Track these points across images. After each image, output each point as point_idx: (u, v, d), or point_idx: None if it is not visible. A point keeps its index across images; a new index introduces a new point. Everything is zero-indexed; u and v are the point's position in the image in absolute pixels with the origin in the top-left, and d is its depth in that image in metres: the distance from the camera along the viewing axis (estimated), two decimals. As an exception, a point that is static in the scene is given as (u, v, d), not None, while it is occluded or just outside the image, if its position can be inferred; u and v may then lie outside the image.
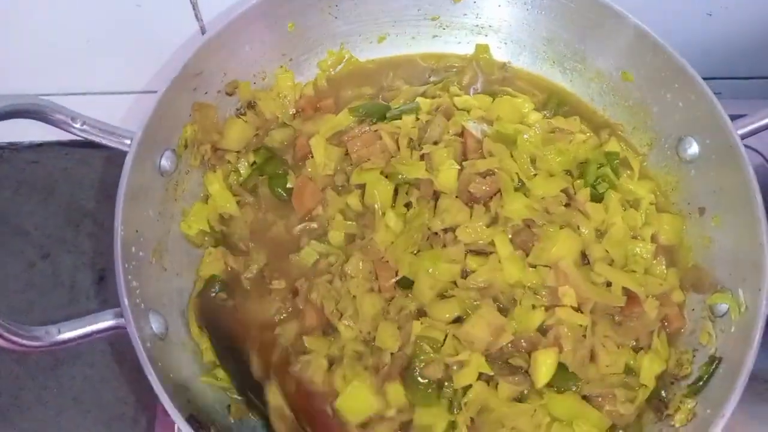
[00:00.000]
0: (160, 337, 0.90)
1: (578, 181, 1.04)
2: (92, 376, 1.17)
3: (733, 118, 0.97)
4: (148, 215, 0.95)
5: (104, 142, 0.90)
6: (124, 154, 0.91)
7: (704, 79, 0.99)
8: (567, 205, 1.00)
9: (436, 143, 1.03)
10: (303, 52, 1.13)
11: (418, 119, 1.07)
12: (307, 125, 1.09)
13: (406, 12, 1.15)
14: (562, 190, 1.01)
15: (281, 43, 1.10)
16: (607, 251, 0.98)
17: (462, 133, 1.04)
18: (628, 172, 1.07)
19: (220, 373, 0.95)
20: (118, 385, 1.16)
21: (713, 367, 0.91)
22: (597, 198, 1.02)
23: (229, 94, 1.07)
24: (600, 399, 0.93)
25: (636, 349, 0.97)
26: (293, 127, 1.10)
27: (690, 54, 1.00)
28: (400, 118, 1.06)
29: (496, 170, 1.00)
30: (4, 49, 1.15)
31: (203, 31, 1.11)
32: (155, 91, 0.94)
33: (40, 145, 1.35)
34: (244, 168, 1.07)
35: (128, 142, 0.91)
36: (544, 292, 0.95)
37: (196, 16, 1.10)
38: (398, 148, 1.03)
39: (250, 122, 1.09)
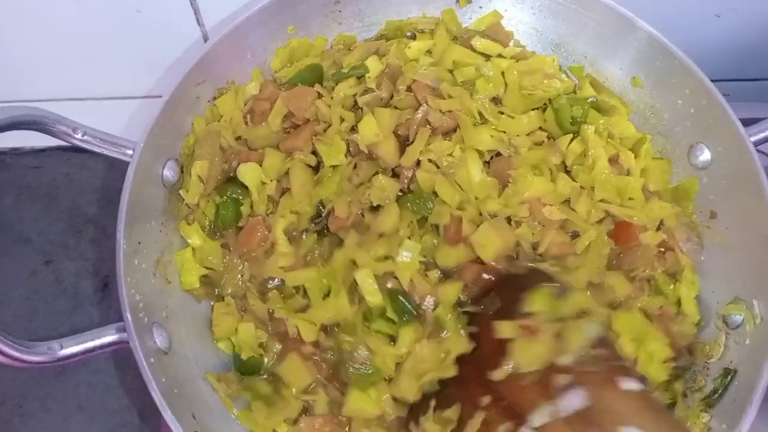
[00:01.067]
0: (164, 351, 0.89)
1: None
2: (97, 384, 1.16)
3: (743, 121, 0.95)
4: (151, 227, 0.94)
5: (106, 152, 0.89)
6: (126, 161, 0.90)
7: (711, 81, 0.97)
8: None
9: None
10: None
11: (361, 82, 1.03)
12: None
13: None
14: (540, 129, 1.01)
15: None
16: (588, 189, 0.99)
17: (411, 87, 1.02)
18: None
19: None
20: (123, 393, 1.16)
21: (728, 379, 0.90)
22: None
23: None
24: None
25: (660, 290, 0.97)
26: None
27: (697, 56, 0.99)
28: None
29: (455, 112, 0.98)
30: (4, 55, 1.14)
31: (205, 38, 1.09)
32: (158, 96, 0.93)
33: (42, 151, 1.34)
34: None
35: (130, 152, 0.90)
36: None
37: (198, 21, 1.08)
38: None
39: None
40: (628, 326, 0.91)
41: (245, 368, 0.95)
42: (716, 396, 0.90)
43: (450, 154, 0.97)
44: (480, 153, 0.98)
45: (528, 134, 1.02)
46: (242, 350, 0.95)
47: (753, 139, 0.94)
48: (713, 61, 1.03)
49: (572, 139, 1.01)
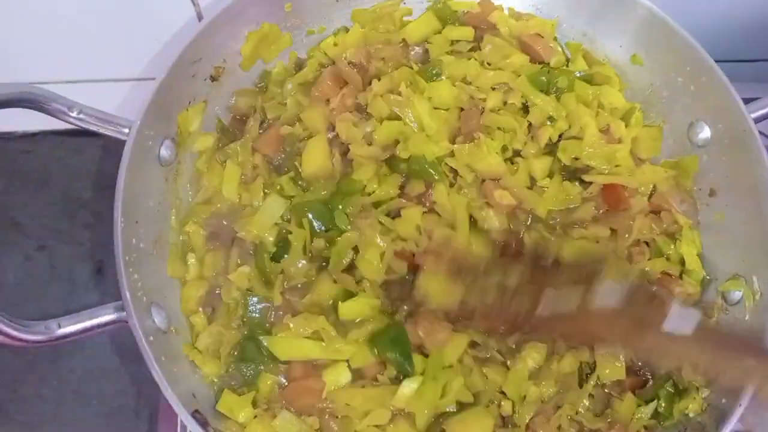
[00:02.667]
0: (163, 330, 0.88)
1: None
2: (92, 369, 1.15)
3: (743, 101, 0.95)
4: (148, 206, 0.93)
5: (102, 131, 0.88)
6: (120, 142, 0.89)
7: (710, 62, 0.98)
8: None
9: None
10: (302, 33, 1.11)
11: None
12: None
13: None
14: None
15: (280, 26, 1.07)
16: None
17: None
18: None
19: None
20: (118, 377, 1.14)
21: (728, 354, 0.90)
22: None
23: (214, 79, 1.04)
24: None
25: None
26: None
27: (696, 37, 0.99)
28: None
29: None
30: (-6, 37, 1.12)
31: (200, 17, 1.08)
32: (151, 78, 0.92)
33: (34, 135, 1.32)
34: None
35: (126, 131, 0.88)
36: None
37: (192, 1, 1.07)
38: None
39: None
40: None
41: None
42: (717, 370, 0.90)
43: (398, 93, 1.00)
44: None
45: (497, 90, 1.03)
46: None
47: (753, 115, 0.95)
48: (712, 42, 1.03)
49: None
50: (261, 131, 1.04)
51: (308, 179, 0.99)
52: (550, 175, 1.01)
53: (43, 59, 1.15)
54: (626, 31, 1.06)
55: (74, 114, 0.87)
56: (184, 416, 0.77)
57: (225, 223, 0.99)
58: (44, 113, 0.86)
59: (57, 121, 1.27)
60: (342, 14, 1.11)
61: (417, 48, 1.09)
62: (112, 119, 0.88)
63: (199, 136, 1.02)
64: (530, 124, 1.02)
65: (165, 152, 0.95)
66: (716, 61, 0.98)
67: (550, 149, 1.02)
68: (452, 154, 0.98)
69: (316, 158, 0.98)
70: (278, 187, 0.98)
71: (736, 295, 0.94)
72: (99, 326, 0.81)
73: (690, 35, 0.98)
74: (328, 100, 1.02)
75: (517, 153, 1.02)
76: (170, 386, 0.78)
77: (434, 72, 1.03)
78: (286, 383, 0.92)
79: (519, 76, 1.04)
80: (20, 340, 0.76)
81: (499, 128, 1.01)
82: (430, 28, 1.10)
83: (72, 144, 1.32)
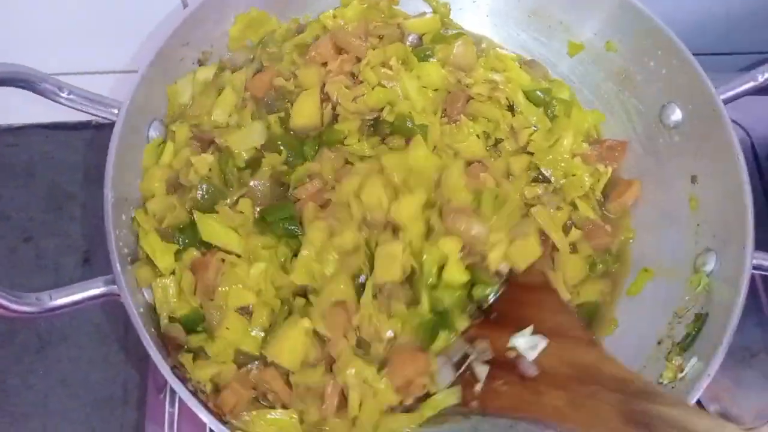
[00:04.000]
0: (153, 304, 0.89)
1: None
2: (79, 358, 1.15)
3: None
4: (138, 185, 0.95)
5: (92, 111, 0.89)
6: (106, 135, 0.90)
7: (688, 55, 1.00)
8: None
9: None
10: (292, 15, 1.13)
11: None
12: None
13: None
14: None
15: (267, 9, 1.09)
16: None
17: None
18: None
19: None
20: (106, 366, 1.15)
21: (700, 323, 0.93)
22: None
23: (202, 63, 1.06)
24: None
25: None
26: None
27: (673, 30, 1.02)
28: None
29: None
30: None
31: (185, 4, 1.09)
32: (137, 71, 0.93)
33: (20, 129, 1.33)
34: None
35: (116, 111, 0.90)
36: None
37: (179, -9, 1.09)
38: None
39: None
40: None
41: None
42: (689, 339, 0.93)
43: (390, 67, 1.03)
44: None
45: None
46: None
47: (722, 97, 0.98)
48: (689, 36, 1.05)
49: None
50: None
51: (296, 129, 1.02)
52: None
53: (24, 52, 1.14)
54: (598, 18, 1.09)
55: (65, 95, 0.88)
56: (166, 371, 0.79)
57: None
58: (36, 93, 0.87)
59: (43, 115, 1.29)
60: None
61: (413, 35, 1.13)
62: (101, 100, 0.90)
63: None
64: (512, 127, 1.07)
65: (153, 133, 0.97)
66: (695, 55, 1.01)
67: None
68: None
69: (306, 110, 1.01)
70: (267, 124, 1.01)
71: (708, 268, 0.97)
72: (90, 299, 0.82)
73: (659, 19, 1.02)
74: (324, 64, 1.05)
75: (499, 141, 1.06)
76: (159, 351, 0.79)
77: (426, 54, 1.07)
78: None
79: (510, 82, 1.08)
80: (12, 311, 0.77)
81: (482, 117, 1.05)
82: (433, 27, 1.14)
83: (58, 137, 1.33)
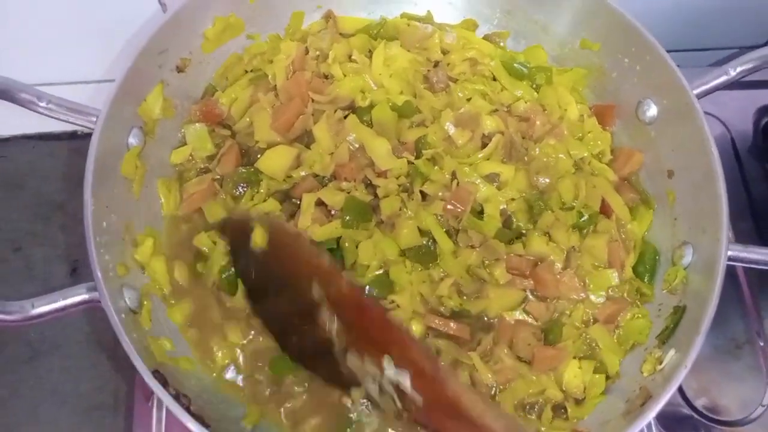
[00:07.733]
0: (134, 311, 0.90)
1: None
2: (69, 367, 1.16)
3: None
4: (119, 192, 0.96)
5: (71, 120, 0.90)
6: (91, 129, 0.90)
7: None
8: None
9: None
10: (267, 23, 1.14)
11: None
12: None
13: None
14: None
15: (245, 17, 1.10)
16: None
17: None
18: None
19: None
20: (96, 375, 1.15)
21: (678, 316, 0.94)
22: None
23: (180, 70, 1.07)
24: None
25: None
26: None
27: (648, 26, 1.03)
28: None
29: None
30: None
31: (164, 9, 1.10)
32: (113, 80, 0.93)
33: (6, 140, 1.34)
34: None
35: (94, 119, 0.91)
36: None
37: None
38: None
39: None
40: None
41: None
42: (668, 332, 0.94)
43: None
44: None
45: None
46: None
47: (696, 91, 0.98)
48: (662, 32, 1.06)
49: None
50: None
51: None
52: None
53: (12, 63, 1.15)
54: (568, 15, 1.10)
55: (43, 104, 0.89)
56: (146, 375, 0.79)
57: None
58: (14, 103, 0.88)
59: (28, 126, 1.30)
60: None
61: None
62: (80, 109, 0.90)
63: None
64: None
65: (133, 140, 0.97)
66: (670, 51, 1.01)
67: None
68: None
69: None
70: None
71: (685, 261, 0.98)
72: (72, 306, 0.83)
73: (631, 15, 1.02)
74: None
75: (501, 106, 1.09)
76: (139, 356, 0.80)
77: (391, 36, 1.10)
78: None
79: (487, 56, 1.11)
80: (-6, 318, 0.77)
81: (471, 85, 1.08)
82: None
83: (45, 148, 1.33)
